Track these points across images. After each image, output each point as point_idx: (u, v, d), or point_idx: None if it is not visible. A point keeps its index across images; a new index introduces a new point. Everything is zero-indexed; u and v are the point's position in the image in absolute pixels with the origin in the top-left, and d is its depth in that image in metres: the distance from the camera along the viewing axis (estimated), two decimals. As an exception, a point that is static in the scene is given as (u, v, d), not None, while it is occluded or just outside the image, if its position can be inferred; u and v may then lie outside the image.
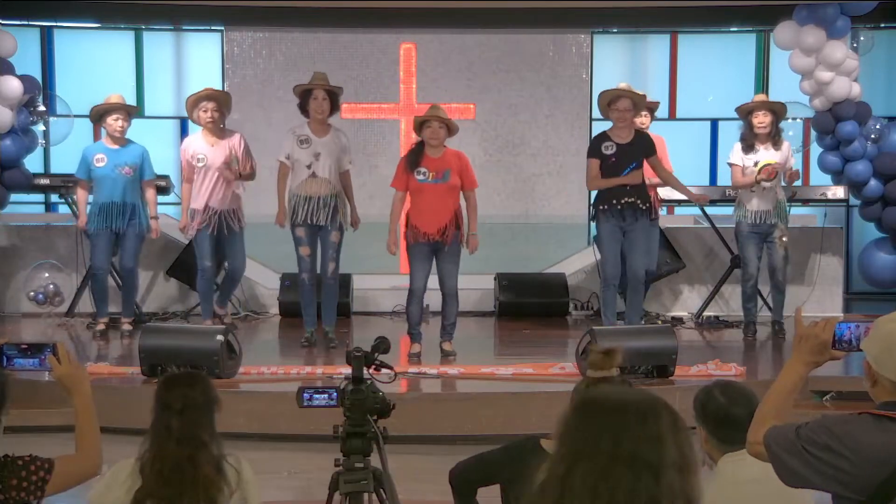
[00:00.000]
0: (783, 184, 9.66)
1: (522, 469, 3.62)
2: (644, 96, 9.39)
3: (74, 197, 10.48)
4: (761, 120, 9.52)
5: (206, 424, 3.56)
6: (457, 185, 8.52)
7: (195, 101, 9.36)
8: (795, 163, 9.99)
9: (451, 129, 8.50)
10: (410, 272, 8.61)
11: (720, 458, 3.55)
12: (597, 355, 3.63)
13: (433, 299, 9.18)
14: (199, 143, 9.39)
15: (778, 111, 9.65)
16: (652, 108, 10.12)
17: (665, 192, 10.21)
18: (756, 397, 3.59)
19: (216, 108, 9.31)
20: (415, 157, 8.49)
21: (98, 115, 9.67)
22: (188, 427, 3.51)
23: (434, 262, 8.58)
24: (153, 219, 9.72)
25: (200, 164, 9.32)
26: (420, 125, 8.51)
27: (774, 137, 9.56)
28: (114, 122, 9.54)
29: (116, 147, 9.62)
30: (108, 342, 9.55)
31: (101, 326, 9.81)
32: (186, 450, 3.49)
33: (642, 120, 9.80)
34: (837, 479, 2.85)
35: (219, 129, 9.38)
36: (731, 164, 9.76)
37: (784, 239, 9.60)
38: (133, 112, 9.82)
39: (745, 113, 9.68)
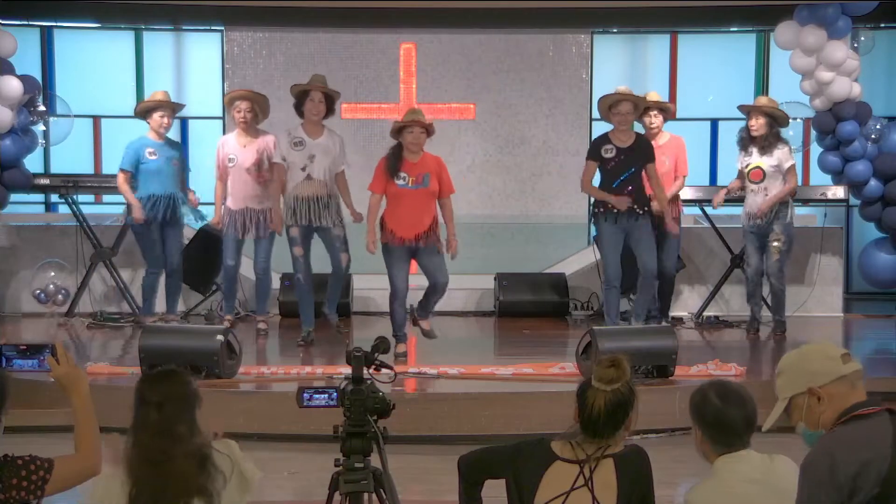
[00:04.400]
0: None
1: (530, 467, 3.62)
2: (645, 98, 9.40)
3: (74, 197, 10.53)
4: (752, 123, 9.53)
5: (184, 418, 3.50)
6: (436, 190, 8.39)
7: (230, 101, 9.56)
8: (792, 166, 9.75)
9: (429, 132, 8.41)
10: (390, 275, 8.49)
11: (716, 459, 3.55)
12: (607, 370, 3.60)
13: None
14: (231, 142, 9.54)
15: (775, 116, 9.57)
16: (664, 108, 10.03)
17: (684, 194, 10.25)
18: (751, 398, 3.59)
19: (249, 109, 9.43)
20: (395, 162, 8.36)
21: (144, 112, 9.80)
22: (164, 421, 3.47)
23: (415, 261, 8.51)
24: (190, 190, 10.04)
25: (231, 164, 9.48)
26: (399, 130, 8.39)
27: (768, 141, 9.51)
28: (160, 118, 9.73)
29: (162, 141, 9.80)
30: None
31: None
32: (162, 443, 3.45)
33: (651, 119, 9.78)
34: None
35: (252, 130, 9.50)
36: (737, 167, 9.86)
37: (775, 244, 9.54)
38: (178, 109, 9.95)
39: (746, 113, 9.72)
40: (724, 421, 3.51)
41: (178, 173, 9.89)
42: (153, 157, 9.74)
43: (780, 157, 9.52)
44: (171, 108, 9.81)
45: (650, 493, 3.64)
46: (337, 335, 9.23)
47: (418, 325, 8.64)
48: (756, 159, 9.54)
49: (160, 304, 10.16)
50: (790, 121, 10.06)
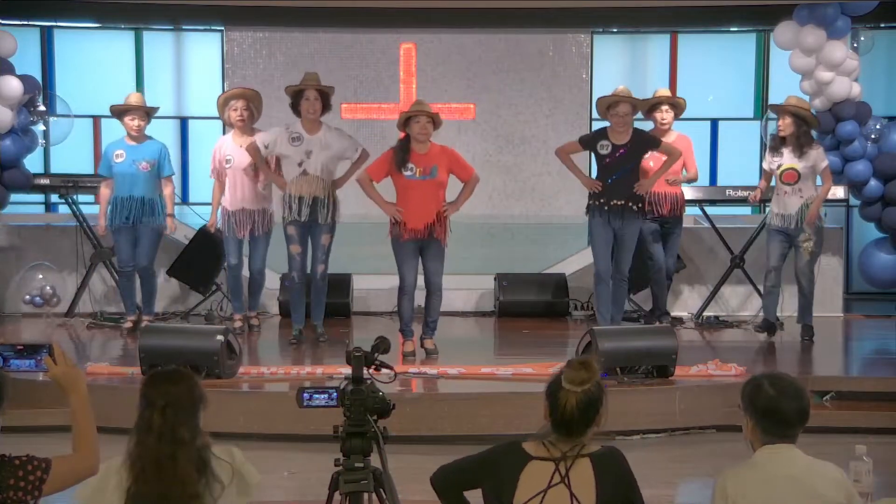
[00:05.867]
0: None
1: (506, 470, 3.61)
2: (642, 100, 9.40)
3: (74, 197, 10.54)
4: (780, 123, 9.42)
5: (188, 422, 3.48)
6: (444, 181, 8.51)
7: (225, 101, 9.55)
8: (826, 166, 9.56)
9: (436, 123, 8.48)
10: (399, 269, 8.57)
11: (759, 449, 3.58)
12: (577, 372, 3.61)
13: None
14: (228, 143, 9.56)
15: (803, 117, 9.42)
16: (675, 103, 9.94)
17: (690, 193, 10.28)
18: (805, 389, 3.61)
19: (245, 107, 9.46)
20: (402, 154, 8.45)
21: (117, 114, 9.79)
22: (169, 424, 3.45)
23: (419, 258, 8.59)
24: (169, 216, 9.80)
25: (228, 166, 9.49)
26: (405, 121, 8.47)
27: (799, 142, 9.39)
28: (130, 121, 9.69)
29: (135, 144, 9.72)
30: (131, 341, 9.50)
31: (128, 324, 9.85)
32: (166, 447, 3.43)
33: (663, 115, 9.77)
34: None
35: (249, 129, 9.51)
36: (762, 168, 9.74)
37: (809, 245, 9.49)
38: (151, 112, 9.87)
39: (776, 113, 9.62)
40: (778, 411, 3.53)
41: (151, 176, 9.69)
42: (119, 161, 9.68)
43: (815, 158, 9.41)
44: (143, 111, 9.73)
45: (635, 493, 3.63)
46: (329, 338, 9.19)
47: (423, 344, 8.73)
48: (788, 160, 9.42)
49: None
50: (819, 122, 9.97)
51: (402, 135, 8.58)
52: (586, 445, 3.60)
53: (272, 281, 10.84)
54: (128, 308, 9.99)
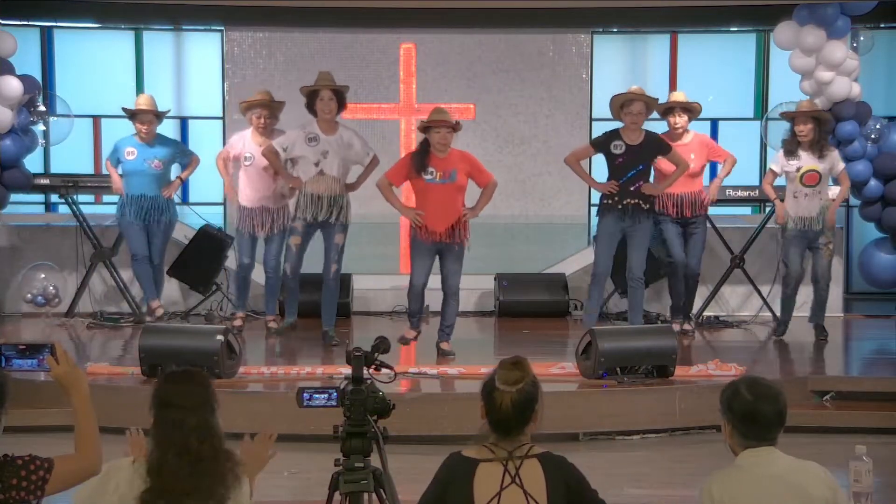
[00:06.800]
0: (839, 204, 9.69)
1: (459, 484, 3.60)
2: (656, 99, 9.38)
3: (74, 197, 10.56)
4: (801, 128, 9.42)
5: (213, 421, 3.50)
6: (464, 185, 8.60)
7: (250, 107, 9.64)
8: (844, 167, 9.67)
9: (456, 130, 8.57)
10: (412, 268, 8.66)
11: (741, 453, 3.59)
12: (510, 372, 3.62)
13: (434, 299, 9.18)
14: (248, 142, 9.66)
15: (822, 119, 9.51)
16: (690, 107, 9.88)
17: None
18: (782, 393, 3.61)
19: (269, 115, 9.58)
20: (421, 159, 8.51)
21: (130, 116, 9.95)
22: (204, 423, 3.46)
23: (437, 261, 8.62)
24: (179, 178, 10.07)
25: (248, 164, 9.58)
26: (426, 128, 8.52)
27: (819, 144, 9.44)
28: (140, 125, 9.87)
29: (147, 143, 9.88)
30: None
31: (159, 311, 10.07)
32: (210, 444, 3.44)
33: (676, 119, 9.75)
34: None
35: (268, 132, 9.62)
36: (770, 168, 9.72)
37: (830, 246, 9.52)
38: (161, 115, 10.02)
39: (790, 119, 9.61)
40: (756, 415, 3.54)
41: (162, 175, 9.93)
42: (130, 158, 9.85)
43: (833, 159, 9.49)
44: (154, 114, 9.87)
45: (588, 491, 3.64)
46: (336, 336, 9.21)
47: (440, 346, 8.77)
48: (807, 162, 9.43)
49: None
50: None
51: (418, 137, 8.64)
52: (533, 447, 3.61)
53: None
54: (148, 293, 10.13)
